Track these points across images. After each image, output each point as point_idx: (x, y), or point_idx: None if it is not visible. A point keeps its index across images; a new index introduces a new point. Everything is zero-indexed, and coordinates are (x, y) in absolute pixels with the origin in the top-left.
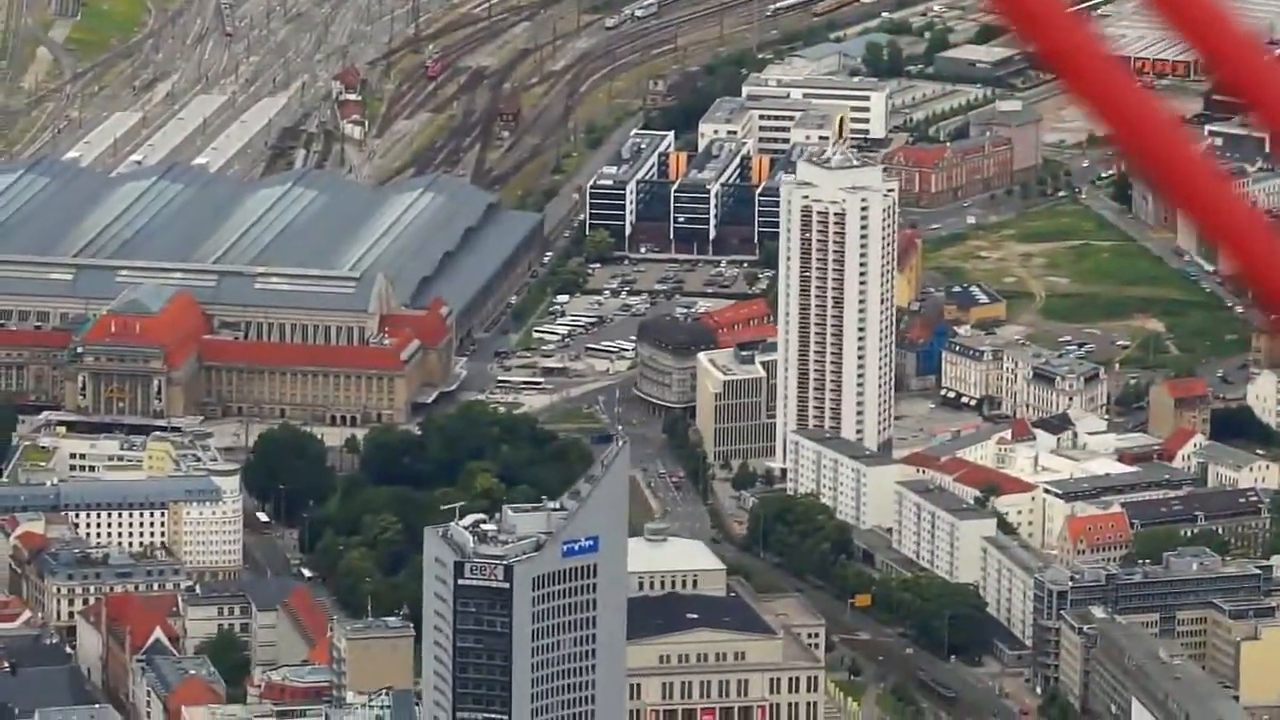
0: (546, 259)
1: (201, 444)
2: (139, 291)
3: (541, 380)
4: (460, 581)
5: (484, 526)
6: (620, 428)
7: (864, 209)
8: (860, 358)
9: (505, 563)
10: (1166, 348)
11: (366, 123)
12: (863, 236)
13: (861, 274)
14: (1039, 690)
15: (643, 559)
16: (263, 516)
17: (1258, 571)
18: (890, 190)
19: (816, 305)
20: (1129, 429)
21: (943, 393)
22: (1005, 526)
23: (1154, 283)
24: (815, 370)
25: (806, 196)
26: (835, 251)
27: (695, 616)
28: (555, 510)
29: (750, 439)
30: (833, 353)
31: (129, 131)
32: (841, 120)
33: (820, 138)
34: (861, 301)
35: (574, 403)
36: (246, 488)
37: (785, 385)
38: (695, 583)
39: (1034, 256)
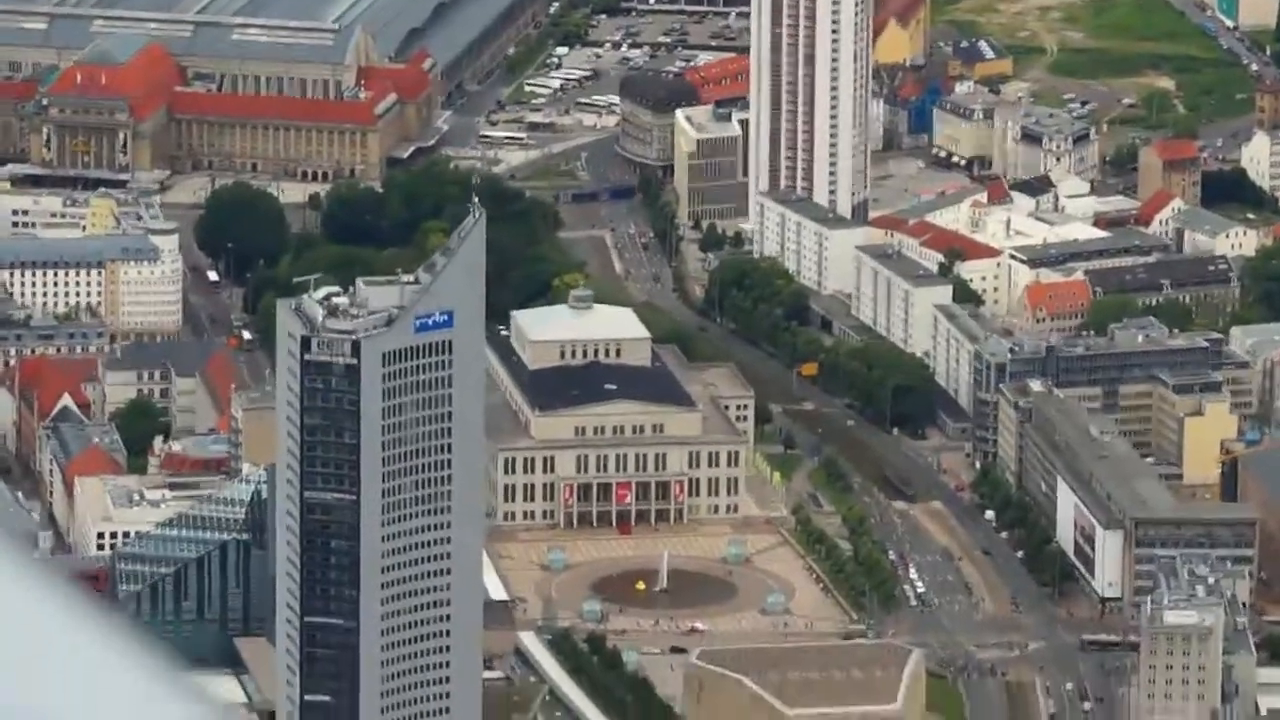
0: (552, 10)
1: (146, 201)
2: (108, 42)
3: (524, 135)
4: (307, 357)
5: (335, 300)
6: (476, 199)
7: None
8: (833, 117)
9: (354, 338)
10: (1172, 106)
11: None
12: None
13: (834, 30)
14: (978, 465)
15: (566, 327)
16: (212, 275)
17: (1205, 344)
18: None
19: (788, 63)
20: (1119, 191)
21: (934, 152)
22: (969, 294)
23: (1170, 39)
24: (787, 130)
25: None
26: (806, 6)
27: (614, 387)
28: (409, 284)
29: (723, 199)
30: (804, 112)
31: None
32: None
33: None
34: (834, 59)
35: (554, 159)
36: (199, 246)
37: (757, 145)
38: (619, 352)
39: (1051, 10)
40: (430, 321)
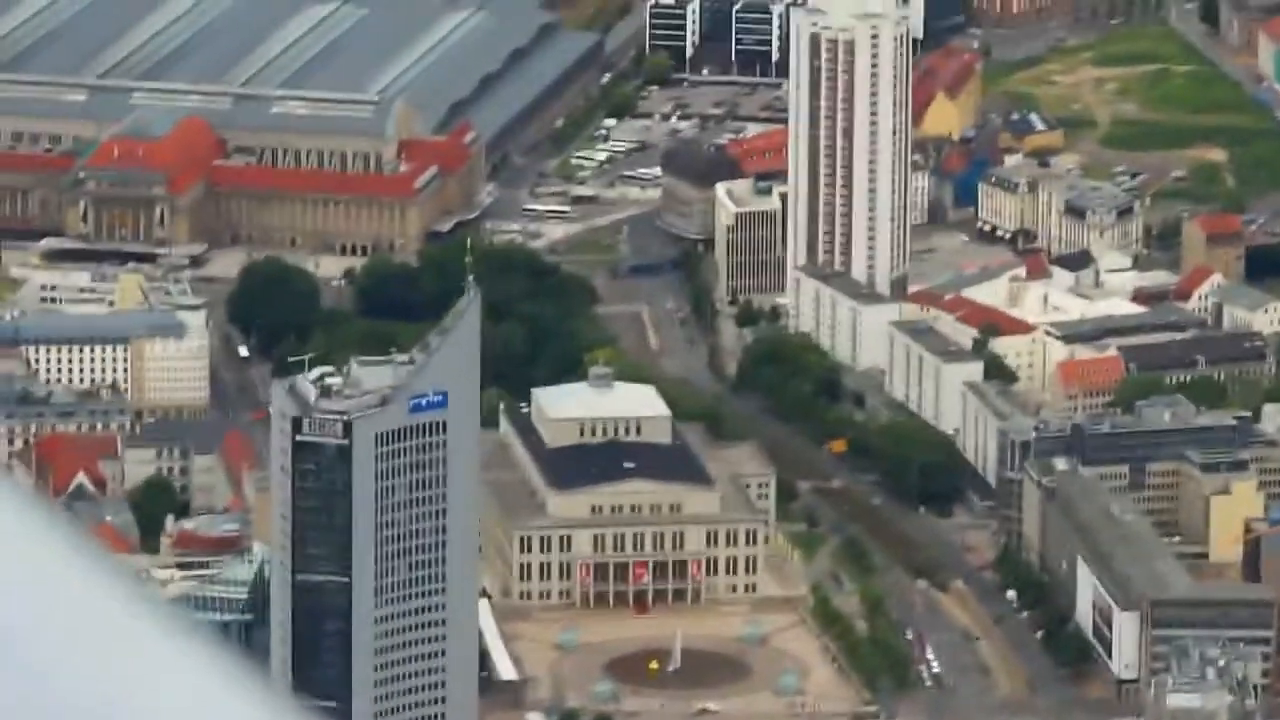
0: (603, 81)
1: (175, 277)
2: (147, 114)
3: (568, 208)
4: (298, 437)
5: (329, 380)
6: (471, 278)
7: (874, 37)
8: (871, 191)
9: (346, 418)
10: (1222, 179)
11: None
12: (873, 65)
13: (872, 104)
14: (1003, 544)
15: (585, 404)
16: (243, 351)
17: (1234, 422)
18: (904, 18)
19: (826, 137)
20: (1163, 265)
21: (979, 225)
22: (1003, 370)
23: (1224, 110)
24: (825, 204)
25: (815, 24)
26: (844, 81)
27: (632, 466)
28: (404, 364)
29: (762, 274)
30: (842, 186)
31: None
32: None
33: None
34: (872, 133)
35: (596, 233)
36: (231, 321)
37: (795, 219)
38: (639, 429)
39: (1107, 82)
40: (424, 402)
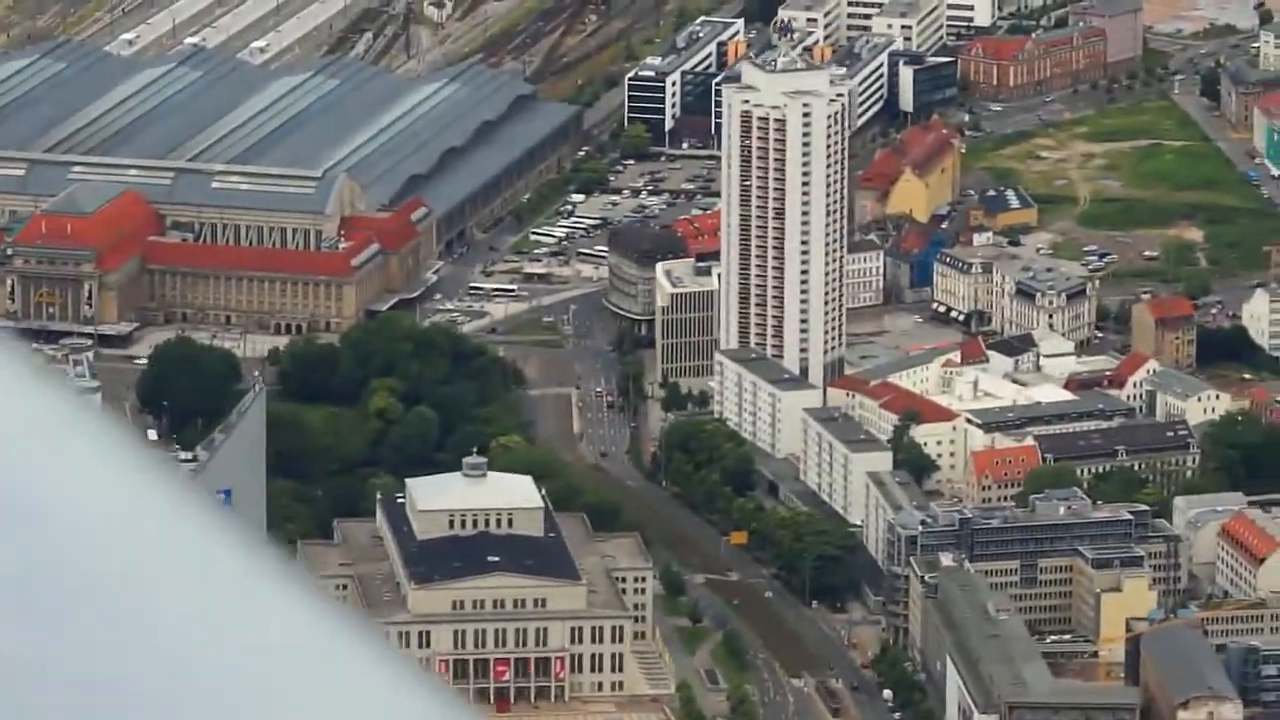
0: (581, 154)
1: (74, 358)
2: (81, 190)
3: (515, 287)
4: None
5: None
6: (258, 375)
7: (806, 115)
8: (804, 273)
9: None
10: (1195, 259)
11: (450, 4)
12: (805, 144)
13: (804, 184)
14: (892, 641)
15: (457, 496)
16: (151, 435)
17: (1129, 517)
18: (838, 96)
19: (758, 217)
20: (1115, 349)
21: (934, 306)
22: (922, 459)
23: (1211, 188)
24: (757, 286)
25: (747, 101)
26: (776, 160)
27: (496, 559)
28: (185, 461)
29: (696, 356)
30: (774, 267)
31: (202, 11)
32: (784, 22)
33: (903, 28)
34: (805, 213)
35: (540, 312)
36: (142, 403)
37: (726, 301)
38: (510, 522)
39: (1095, 157)
40: None
